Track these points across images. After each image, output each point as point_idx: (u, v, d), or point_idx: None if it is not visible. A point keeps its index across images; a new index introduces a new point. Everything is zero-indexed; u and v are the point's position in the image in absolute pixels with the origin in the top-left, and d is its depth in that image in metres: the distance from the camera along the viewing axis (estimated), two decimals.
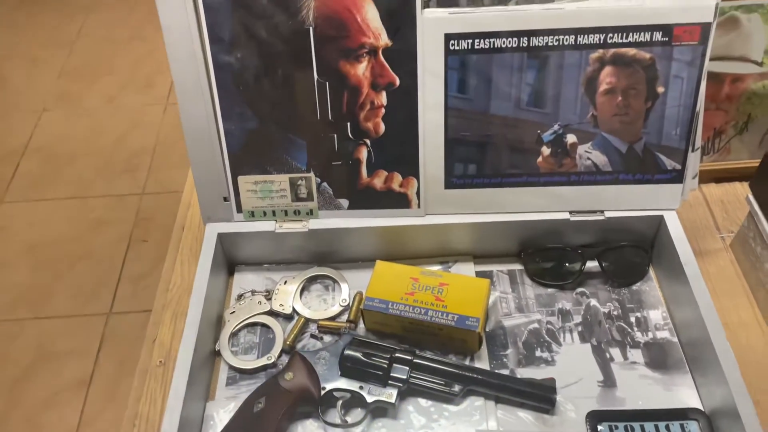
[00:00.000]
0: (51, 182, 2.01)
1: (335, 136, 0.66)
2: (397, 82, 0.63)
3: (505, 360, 0.64)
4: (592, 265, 0.70)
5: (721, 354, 0.57)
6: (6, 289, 1.69)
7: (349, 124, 0.65)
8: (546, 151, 0.66)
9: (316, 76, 0.63)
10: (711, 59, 0.71)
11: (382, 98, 0.64)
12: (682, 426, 0.57)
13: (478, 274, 0.71)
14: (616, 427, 0.58)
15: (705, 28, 0.60)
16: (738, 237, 0.71)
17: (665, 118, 0.63)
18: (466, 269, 0.72)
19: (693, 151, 0.65)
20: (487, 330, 0.67)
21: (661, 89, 0.62)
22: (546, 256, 0.70)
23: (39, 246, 1.81)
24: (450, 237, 0.71)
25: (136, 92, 2.26)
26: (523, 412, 0.60)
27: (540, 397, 0.60)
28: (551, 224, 0.69)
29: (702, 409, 0.59)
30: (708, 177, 0.79)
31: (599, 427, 0.58)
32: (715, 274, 0.71)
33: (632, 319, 0.66)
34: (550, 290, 0.70)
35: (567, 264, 0.70)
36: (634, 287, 0.69)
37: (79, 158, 2.08)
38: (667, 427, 0.57)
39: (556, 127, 0.65)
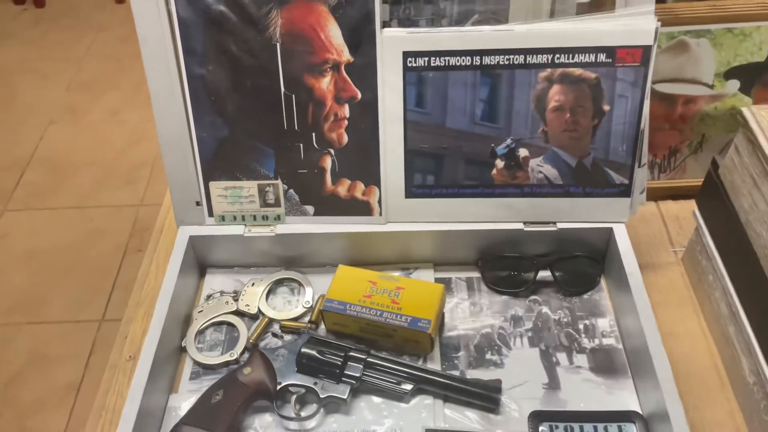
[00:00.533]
0: (53, 192, 2.07)
1: (301, 145, 0.70)
2: (359, 95, 0.67)
3: (456, 362, 0.67)
4: (546, 274, 0.73)
5: (657, 361, 0.59)
6: (3, 295, 1.74)
7: (314, 134, 0.69)
8: (500, 163, 0.69)
9: (283, 89, 0.67)
10: (663, 81, 0.75)
11: (345, 111, 0.68)
12: (619, 427, 0.60)
13: (438, 280, 0.74)
14: (557, 427, 0.60)
15: (646, 50, 0.63)
16: (687, 251, 0.74)
17: (612, 135, 0.67)
18: (426, 276, 0.75)
19: (639, 166, 0.68)
20: (442, 333, 0.70)
21: (606, 107, 0.66)
22: (501, 264, 0.74)
23: (37, 253, 1.86)
24: (411, 244, 0.74)
25: (139, 108, 2.33)
26: (469, 411, 0.63)
27: (485, 397, 0.62)
28: (507, 234, 0.72)
29: (640, 412, 0.61)
30: (665, 194, 0.82)
31: (540, 427, 0.60)
32: (666, 286, 0.74)
33: (580, 326, 0.69)
34: (504, 297, 0.73)
35: (521, 272, 0.73)
36: (586, 296, 0.72)
37: (81, 169, 2.14)
38: (605, 428, 0.60)
39: (508, 141, 0.68)
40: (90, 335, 1.65)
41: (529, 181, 0.70)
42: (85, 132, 2.30)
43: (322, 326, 0.71)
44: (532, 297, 0.72)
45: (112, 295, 1.73)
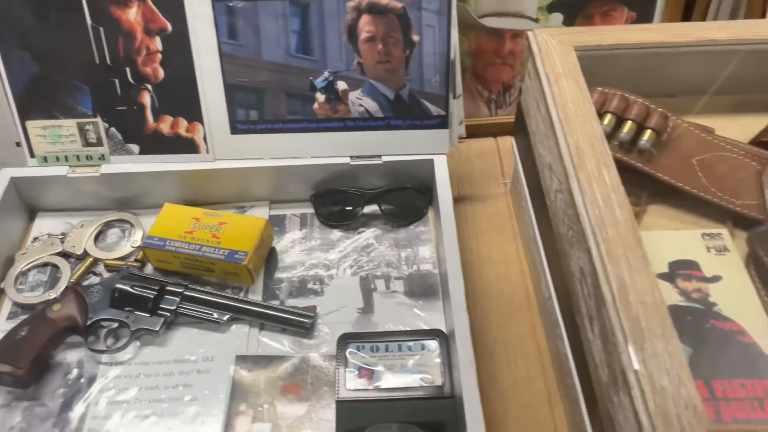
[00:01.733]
0: None
1: (116, 81, 0.68)
2: (169, 27, 0.66)
3: (277, 292, 0.68)
4: (384, 207, 0.74)
5: (453, 283, 0.61)
6: None
7: (128, 69, 0.68)
8: (321, 97, 0.70)
9: (89, 21, 0.65)
10: (488, 15, 0.77)
11: (157, 43, 0.67)
12: (422, 344, 0.62)
13: (272, 218, 0.75)
14: (363, 347, 0.62)
15: None
16: (512, 181, 0.77)
17: (424, 66, 0.68)
18: (261, 213, 0.75)
19: (455, 97, 0.70)
20: (271, 267, 0.71)
21: (416, 37, 0.67)
22: (332, 199, 0.75)
23: None
24: (244, 182, 0.75)
25: None
26: (284, 337, 0.65)
27: (297, 323, 0.64)
28: (336, 169, 0.73)
29: (445, 330, 0.64)
30: (503, 130, 0.85)
31: (348, 348, 0.62)
32: (492, 216, 0.76)
33: (402, 255, 0.71)
34: (336, 230, 0.74)
35: (352, 206, 0.74)
36: (413, 226, 0.74)
37: None
38: (408, 345, 0.62)
39: (326, 74, 0.69)
40: None
41: (351, 115, 0.71)
42: None
43: (151, 266, 0.71)
44: (362, 229, 0.74)
45: None
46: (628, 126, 0.54)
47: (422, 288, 0.68)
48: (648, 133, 0.53)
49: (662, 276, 0.48)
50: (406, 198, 0.75)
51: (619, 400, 0.39)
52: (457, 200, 0.78)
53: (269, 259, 0.71)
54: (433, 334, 0.63)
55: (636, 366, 0.36)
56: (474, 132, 0.85)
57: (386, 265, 0.70)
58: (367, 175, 0.74)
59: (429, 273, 0.69)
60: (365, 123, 0.71)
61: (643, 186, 0.55)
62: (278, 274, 0.70)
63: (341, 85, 0.69)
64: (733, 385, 0.40)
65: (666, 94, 0.64)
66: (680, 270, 0.48)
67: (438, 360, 0.61)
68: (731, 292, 0.46)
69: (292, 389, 0.61)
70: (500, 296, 0.69)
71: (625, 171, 0.55)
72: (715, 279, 0.47)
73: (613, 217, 0.44)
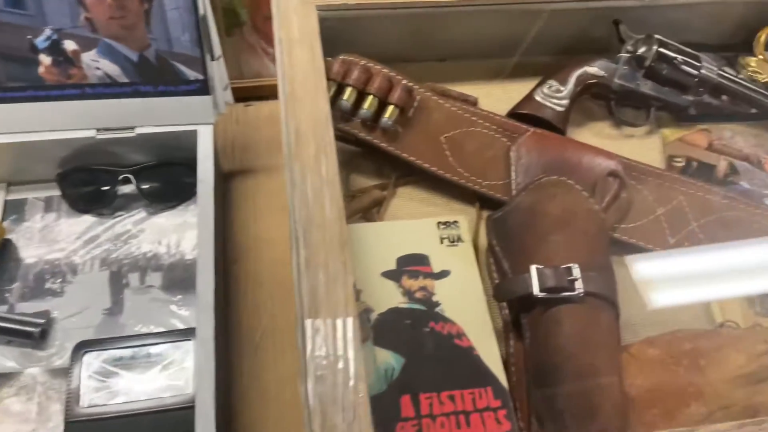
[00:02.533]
0: None
1: None
2: None
3: (7, 295, 0.58)
4: (144, 186, 0.65)
5: (201, 277, 0.54)
6: None
7: None
8: (46, 59, 0.58)
9: None
10: None
11: None
12: (174, 346, 0.56)
13: (10, 202, 0.64)
14: (104, 355, 0.54)
15: None
16: None
17: (169, 22, 0.58)
18: None
19: (214, 59, 0.61)
20: (0, 265, 0.60)
21: None
22: (82, 179, 0.64)
23: None
24: None
25: None
26: (8, 349, 0.55)
27: (23, 333, 0.55)
28: (82, 143, 0.62)
29: None
30: None
31: (85, 358, 0.54)
32: (277, 190, 0.69)
33: (164, 242, 0.63)
34: (88, 215, 0.64)
35: (105, 186, 0.64)
36: (184, 208, 0.66)
37: None
38: (159, 349, 0.55)
39: (48, 31, 0.57)
40: None
41: (89, 80, 0.60)
42: None
43: None
44: (120, 213, 0.65)
45: None
46: (368, 101, 0.48)
47: (183, 280, 0.61)
48: (390, 109, 0.48)
49: (389, 274, 0.44)
50: (172, 175, 0.66)
51: None
52: (238, 173, 0.71)
53: None
54: (188, 334, 0.56)
55: (311, 401, 0.32)
56: (263, 93, 0.77)
57: (143, 255, 0.62)
58: (124, 150, 0.64)
59: (193, 262, 0.62)
60: (109, 90, 0.60)
61: (396, 166, 0.51)
62: (10, 273, 0.59)
63: (70, 45, 0.58)
64: (441, 398, 0.37)
65: (436, 59, 0.60)
66: (407, 266, 0.44)
67: (191, 364, 0.55)
68: (457, 288, 0.43)
69: (12, 413, 0.52)
70: (273, 283, 0.63)
71: (373, 151, 0.50)
72: (443, 274, 0.43)
73: (321, 217, 0.38)
